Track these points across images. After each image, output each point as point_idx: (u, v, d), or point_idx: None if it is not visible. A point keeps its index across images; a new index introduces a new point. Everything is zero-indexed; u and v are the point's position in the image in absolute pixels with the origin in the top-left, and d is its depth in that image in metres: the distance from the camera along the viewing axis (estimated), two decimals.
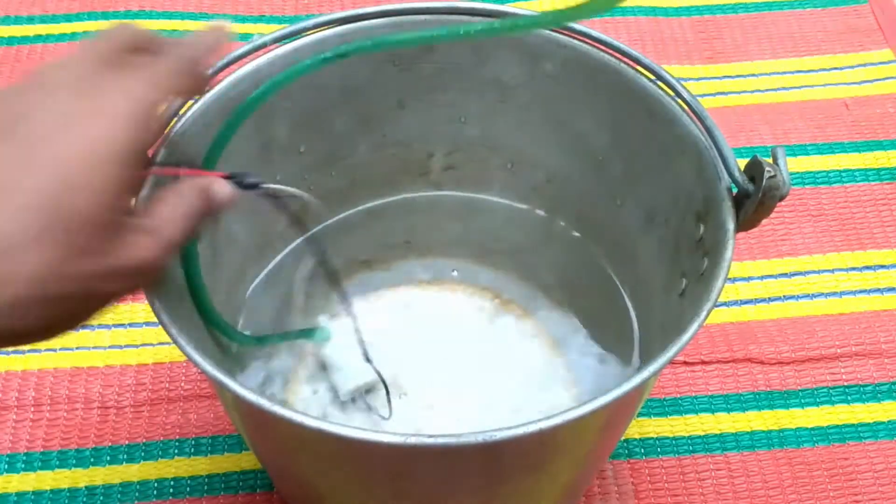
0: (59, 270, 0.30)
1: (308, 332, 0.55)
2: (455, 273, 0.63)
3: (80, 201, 0.30)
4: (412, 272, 0.62)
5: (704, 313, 0.40)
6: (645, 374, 0.38)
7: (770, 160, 0.42)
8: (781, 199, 0.42)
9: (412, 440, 0.36)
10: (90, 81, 0.32)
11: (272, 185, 0.41)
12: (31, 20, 0.80)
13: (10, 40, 0.79)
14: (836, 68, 0.80)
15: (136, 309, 0.64)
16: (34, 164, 0.29)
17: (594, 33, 0.49)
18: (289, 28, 0.49)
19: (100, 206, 0.30)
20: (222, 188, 0.38)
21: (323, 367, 0.56)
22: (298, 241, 0.56)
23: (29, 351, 0.62)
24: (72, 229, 0.30)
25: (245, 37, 0.80)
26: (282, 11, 0.83)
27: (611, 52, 0.50)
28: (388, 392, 0.54)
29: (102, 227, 0.31)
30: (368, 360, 0.53)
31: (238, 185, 0.39)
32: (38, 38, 0.79)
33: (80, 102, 0.31)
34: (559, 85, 0.52)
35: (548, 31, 0.51)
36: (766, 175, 0.41)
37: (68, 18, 0.80)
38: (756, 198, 0.42)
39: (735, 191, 0.44)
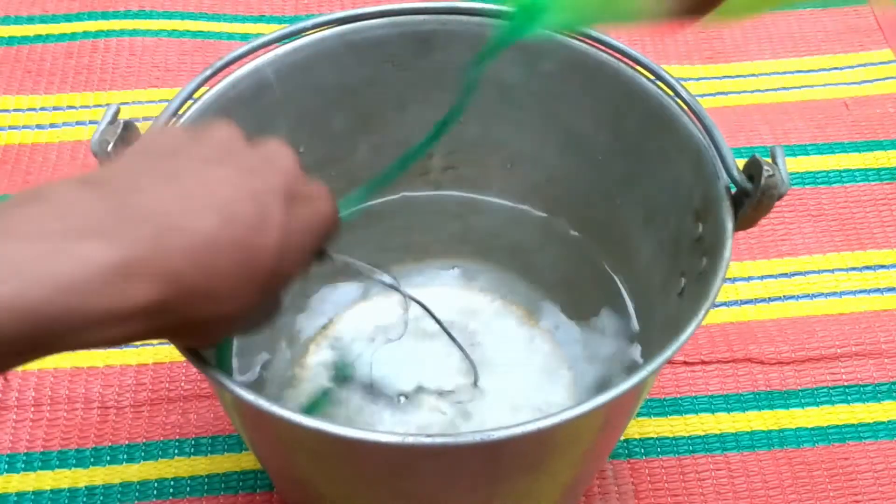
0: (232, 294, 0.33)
1: (317, 403, 0.56)
2: (454, 273, 0.63)
3: (297, 264, 0.36)
4: (411, 272, 0.62)
5: (702, 312, 0.40)
6: (643, 373, 0.38)
7: (769, 160, 0.42)
8: (780, 197, 0.42)
9: (410, 440, 0.36)
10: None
11: (343, 257, 0.42)
12: (31, 20, 0.80)
13: (10, 40, 0.79)
14: (836, 68, 0.80)
15: None
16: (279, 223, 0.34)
17: (593, 33, 0.49)
18: (288, 28, 0.49)
19: (290, 268, 0.35)
20: None
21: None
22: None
23: None
24: (258, 278, 0.33)
25: (245, 37, 0.80)
26: (282, 11, 0.83)
27: (610, 51, 0.50)
28: (476, 379, 0.55)
29: (273, 287, 0.35)
30: (451, 337, 0.53)
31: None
32: (38, 38, 0.79)
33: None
34: (558, 84, 0.52)
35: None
36: (765, 174, 0.41)
37: (68, 18, 0.81)
38: (755, 196, 0.42)
39: (734, 190, 0.44)
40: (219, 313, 0.33)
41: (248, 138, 0.36)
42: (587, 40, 0.50)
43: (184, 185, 0.32)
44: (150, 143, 0.35)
